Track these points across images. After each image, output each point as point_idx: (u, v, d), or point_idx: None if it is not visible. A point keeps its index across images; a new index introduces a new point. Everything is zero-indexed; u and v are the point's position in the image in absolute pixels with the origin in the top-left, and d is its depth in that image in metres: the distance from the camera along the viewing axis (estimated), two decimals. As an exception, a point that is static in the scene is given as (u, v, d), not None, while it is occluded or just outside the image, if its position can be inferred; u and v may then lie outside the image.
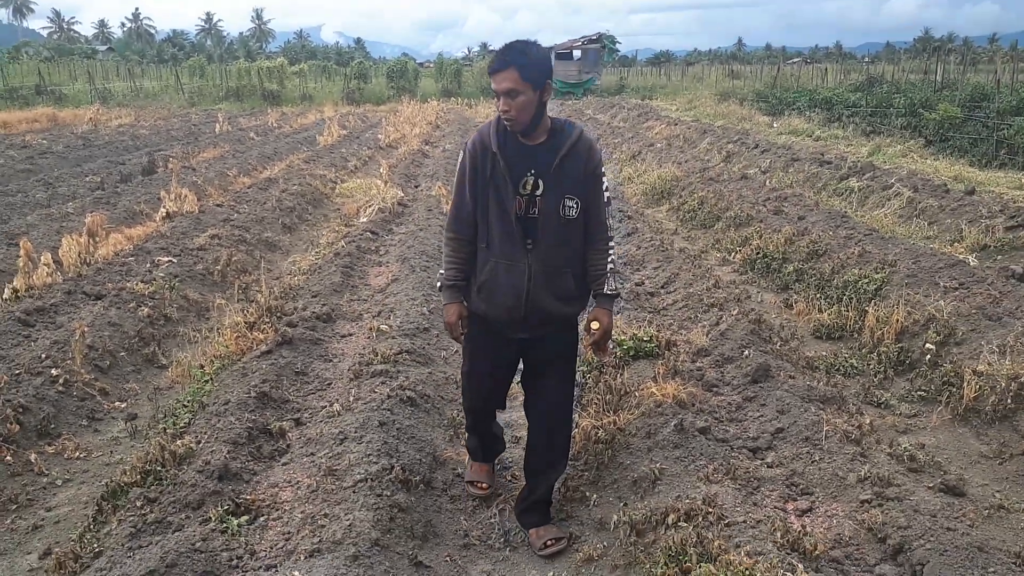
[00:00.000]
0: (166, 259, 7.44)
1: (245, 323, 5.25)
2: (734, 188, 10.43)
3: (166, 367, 5.59)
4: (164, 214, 9.62)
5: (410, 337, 4.89)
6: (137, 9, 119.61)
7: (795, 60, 74.86)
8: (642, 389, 3.94)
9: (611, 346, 3.52)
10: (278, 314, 5.43)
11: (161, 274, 6.98)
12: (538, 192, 2.99)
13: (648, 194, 11.56)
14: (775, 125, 20.66)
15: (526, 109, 2.89)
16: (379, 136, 19.76)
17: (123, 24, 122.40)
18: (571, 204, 3.01)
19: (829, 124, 19.35)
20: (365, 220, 9.18)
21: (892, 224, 8.70)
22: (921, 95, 18.59)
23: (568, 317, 3.21)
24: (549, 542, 3.21)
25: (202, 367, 5.03)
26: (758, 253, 7.56)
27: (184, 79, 40.65)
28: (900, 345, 5.12)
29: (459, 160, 3.10)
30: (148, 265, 7.34)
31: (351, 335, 5.22)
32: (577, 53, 42.09)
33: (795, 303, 6.38)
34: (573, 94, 38.95)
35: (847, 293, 6.03)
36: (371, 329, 5.08)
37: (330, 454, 3.41)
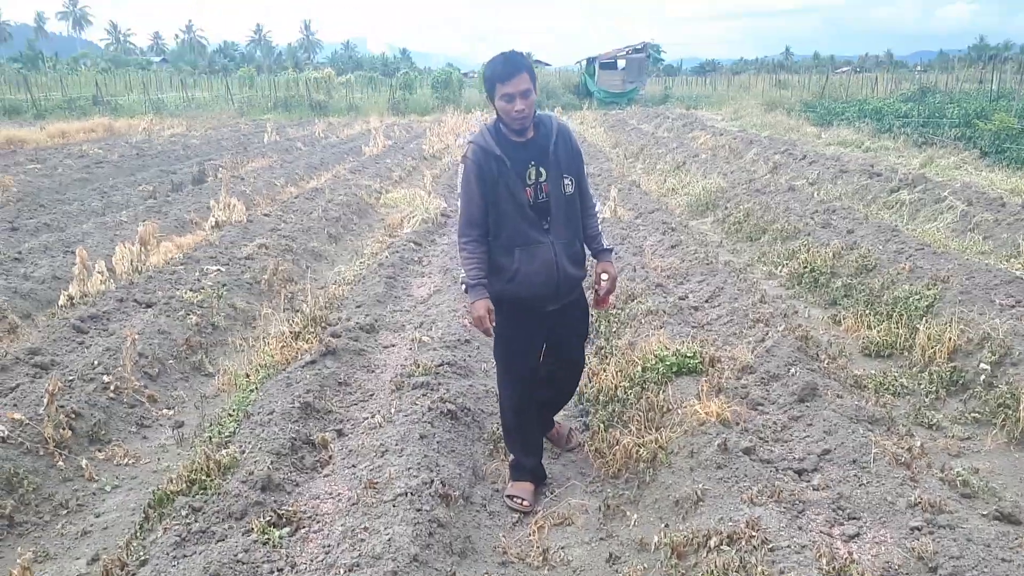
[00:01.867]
0: (214, 268, 7.58)
1: (290, 332, 5.33)
2: (781, 200, 10.26)
3: (213, 375, 5.70)
4: (213, 223, 9.83)
5: (451, 349, 4.90)
6: (190, 21, 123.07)
7: (844, 69, 73.66)
8: (685, 407, 3.88)
9: (612, 298, 3.92)
10: (322, 324, 5.49)
11: (209, 283, 7.12)
12: (542, 179, 3.42)
13: (692, 206, 11.44)
14: (823, 136, 20.31)
15: (533, 107, 3.33)
16: (423, 147, 19.93)
17: (176, 36, 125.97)
18: (568, 182, 3.47)
19: (879, 135, 18.96)
20: (408, 231, 9.25)
21: (944, 239, 8.48)
22: (976, 105, 18.15)
23: (581, 279, 3.67)
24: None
25: (247, 376, 5.11)
26: (805, 267, 7.42)
27: (234, 89, 41.56)
28: (953, 364, 4.97)
29: (461, 172, 3.43)
30: (197, 274, 7.49)
31: (393, 346, 5.26)
32: (621, 63, 41.97)
33: (843, 319, 6.25)
34: (617, 104, 38.79)
35: (897, 309, 5.88)
36: (413, 340, 5.11)
37: (371, 467, 3.43)
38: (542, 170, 3.40)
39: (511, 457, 3.78)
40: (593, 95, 40.29)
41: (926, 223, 9.38)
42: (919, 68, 70.98)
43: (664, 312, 5.45)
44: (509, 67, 3.27)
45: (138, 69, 66.63)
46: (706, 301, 6.06)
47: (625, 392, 4.33)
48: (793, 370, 4.39)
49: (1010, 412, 4.31)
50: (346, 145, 21.02)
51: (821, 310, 6.73)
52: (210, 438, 4.11)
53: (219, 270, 7.56)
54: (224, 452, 3.56)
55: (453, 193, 12.85)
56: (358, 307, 5.99)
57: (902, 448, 3.59)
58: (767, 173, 13.95)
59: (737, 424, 3.71)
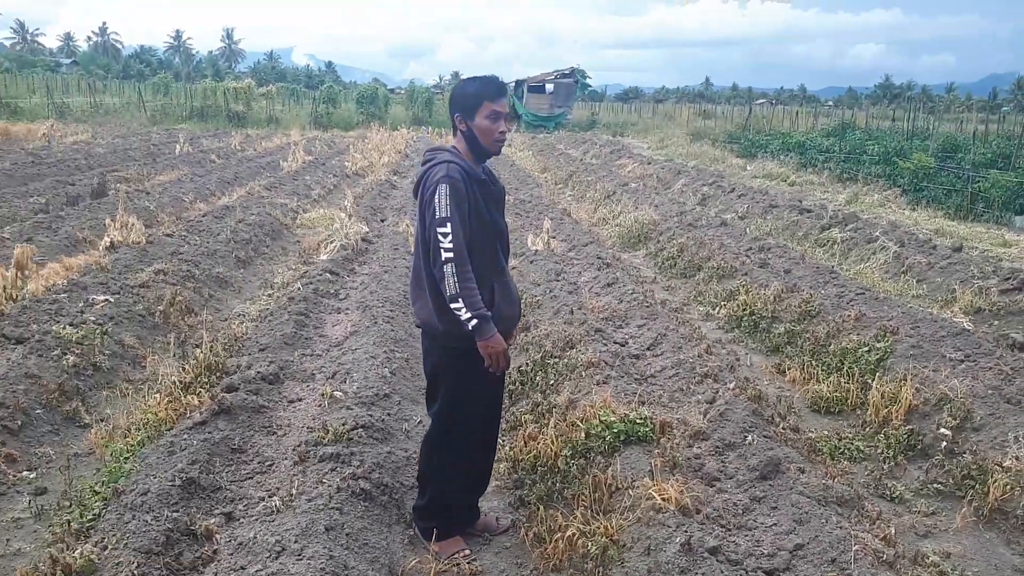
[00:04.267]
0: (102, 298, 6.73)
1: (180, 383, 4.61)
2: (714, 235, 10.03)
3: (89, 426, 4.91)
4: (108, 244, 8.90)
5: (368, 406, 4.28)
6: (104, 23, 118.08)
7: (761, 101, 76.21)
8: (637, 486, 3.39)
9: None
10: (218, 372, 4.79)
11: (94, 315, 6.29)
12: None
13: (624, 237, 11.12)
14: (749, 168, 20.53)
15: None
16: (346, 163, 19.17)
17: (89, 38, 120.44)
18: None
19: (804, 169, 19.24)
20: (325, 258, 8.56)
21: (880, 280, 8.34)
22: (894, 143, 18.59)
23: None
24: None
25: (126, 434, 4.37)
26: (745, 310, 7.11)
27: (148, 96, 39.68)
28: (910, 427, 4.65)
29: (442, 194, 2.96)
30: (81, 304, 6.63)
31: (300, 400, 4.59)
32: (550, 87, 42.00)
33: (788, 368, 5.92)
34: (545, 128, 38.75)
35: (847, 362, 5.57)
36: (323, 395, 4.46)
37: (264, 571, 2.79)
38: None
39: (431, 522, 3.38)
40: (521, 118, 40.16)
41: (859, 263, 9.27)
42: (830, 103, 74.11)
43: (605, 363, 4.97)
44: (500, 87, 3.15)
45: (44, 71, 63.08)
46: (648, 348, 5.62)
47: (567, 463, 3.81)
48: (750, 438, 3.96)
49: (977, 486, 3.99)
50: (264, 159, 20.04)
51: (763, 357, 6.41)
52: (69, 523, 3.38)
53: (107, 300, 6.71)
54: (79, 551, 2.86)
55: (376, 216, 12.19)
56: (262, 350, 5.29)
57: (879, 539, 3.19)
58: (696, 204, 13.82)
59: (698, 512, 3.23)
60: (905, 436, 4.59)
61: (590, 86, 51.82)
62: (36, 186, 14.25)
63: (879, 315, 6.24)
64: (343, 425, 3.91)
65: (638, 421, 3.88)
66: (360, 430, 3.91)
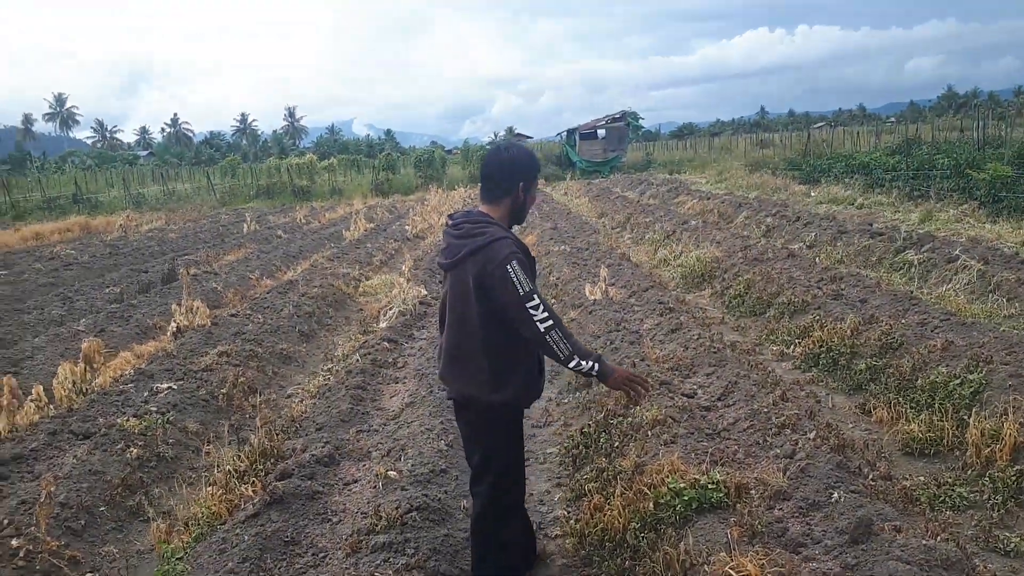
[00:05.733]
0: (165, 386, 6.80)
1: (235, 472, 4.52)
2: (782, 268, 9.61)
3: (153, 519, 4.86)
4: (175, 329, 9.07)
5: (423, 485, 4.10)
6: (176, 114, 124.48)
7: (820, 124, 74.64)
8: (713, 562, 3.09)
9: None
10: (273, 458, 4.70)
11: (157, 405, 6.33)
12: None
13: (687, 277, 10.79)
14: (813, 194, 19.90)
15: None
16: (406, 227, 19.40)
17: (163, 129, 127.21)
18: None
19: (871, 190, 18.53)
20: (384, 325, 8.52)
21: (965, 303, 7.79)
22: (965, 155, 17.74)
23: None
24: None
25: (186, 529, 4.29)
26: (821, 347, 6.70)
27: (216, 179, 41.34)
28: (1018, 468, 4.19)
29: (516, 270, 3.00)
30: (146, 394, 6.70)
31: (356, 482, 4.44)
32: (602, 132, 42.15)
33: (874, 408, 5.50)
34: (600, 173, 38.76)
35: (937, 397, 5.13)
36: (378, 476, 4.30)
37: None
38: None
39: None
40: (575, 165, 40.30)
41: (939, 285, 8.72)
42: (892, 120, 71.98)
43: (673, 419, 4.68)
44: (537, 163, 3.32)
45: (124, 164, 66.65)
46: (719, 399, 5.30)
47: (636, 536, 3.53)
48: (836, 495, 3.61)
49: (1105, 534, 3.53)
50: (328, 230, 20.48)
51: (845, 397, 5.99)
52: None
53: (171, 388, 6.77)
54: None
55: (435, 278, 12.18)
56: (318, 430, 5.19)
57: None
58: (761, 237, 13.38)
59: (783, 588, 2.91)
60: (1014, 478, 4.14)
61: (643, 127, 51.72)
62: (112, 276, 14.83)
63: (969, 342, 5.77)
64: (396, 509, 3.73)
65: (710, 486, 3.57)
66: (414, 513, 3.73)
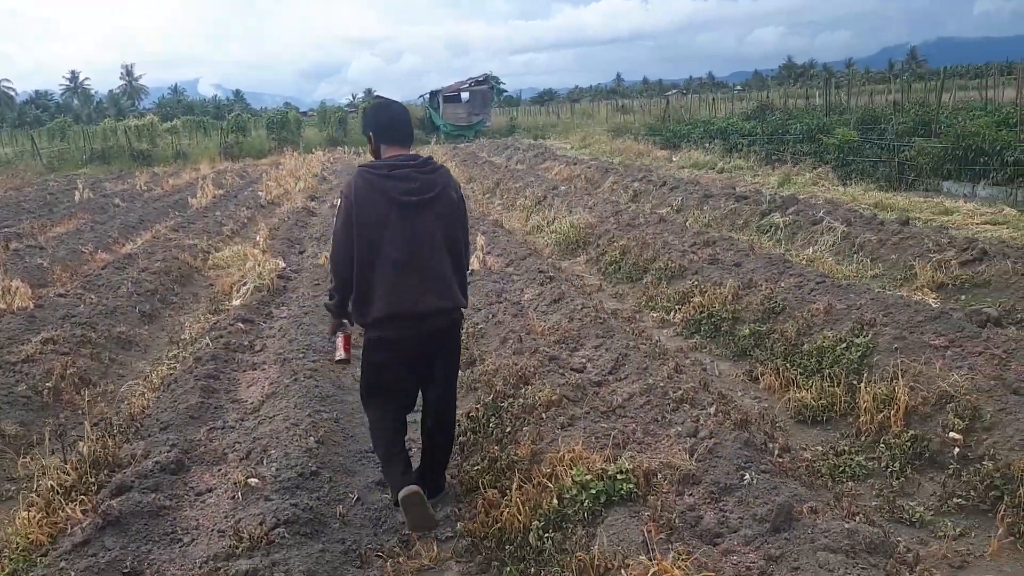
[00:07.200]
0: (-30, 384, 5.76)
1: (59, 487, 3.77)
2: (654, 232, 9.52)
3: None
4: (-14, 314, 7.84)
5: (291, 492, 3.53)
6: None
7: (672, 92, 77.16)
8: (630, 564, 2.75)
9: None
10: (108, 467, 3.96)
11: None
12: None
13: (562, 244, 10.55)
14: (675, 159, 20.29)
15: None
16: (259, 193, 18.15)
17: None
18: None
19: (729, 154, 19.06)
20: (238, 303, 7.70)
21: (834, 264, 7.94)
22: (815, 120, 18.55)
23: None
24: None
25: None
26: (702, 312, 6.58)
27: (43, 143, 37.47)
28: (912, 432, 4.14)
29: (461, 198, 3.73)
30: (-56, 395, 5.65)
31: (210, 491, 3.79)
32: (465, 95, 41.49)
33: (761, 375, 5.40)
34: (464, 137, 38.20)
35: (825, 363, 5.07)
36: (236, 483, 3.68)
37: None
38: None
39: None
40: (440, 129, 39.48)
41: (807, 247, 8.89)
42: (739, 88, 75.46)
43: (567, 399, 4.33)
44: None
45: (-69, 125, 59.22)
46: (610, 373, 5.01)
47: (539, 537, 3.15)
48: (747, 476, 3.37)
49: (1006, 498, 3.49)
50: (172, 197, 18.82)
51: (731, 363, 5.88)
52: None
53: (-23, 385, 5.75)
54: None
55: (294, 248, 11.33)
56: (163, 429, 4.47)
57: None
58: (629, 202, 13.38)
59: (712, 595, 2.60)
60: (908, 444, 4.08)
61: (505, 91, 51.52)
62: (-88, 253, 12.88)
63: (848, 304, 5.78)
64: (260, 525, 3.16)
65: (619, 476, 3.23)
66: (281, 528, 3.17)
